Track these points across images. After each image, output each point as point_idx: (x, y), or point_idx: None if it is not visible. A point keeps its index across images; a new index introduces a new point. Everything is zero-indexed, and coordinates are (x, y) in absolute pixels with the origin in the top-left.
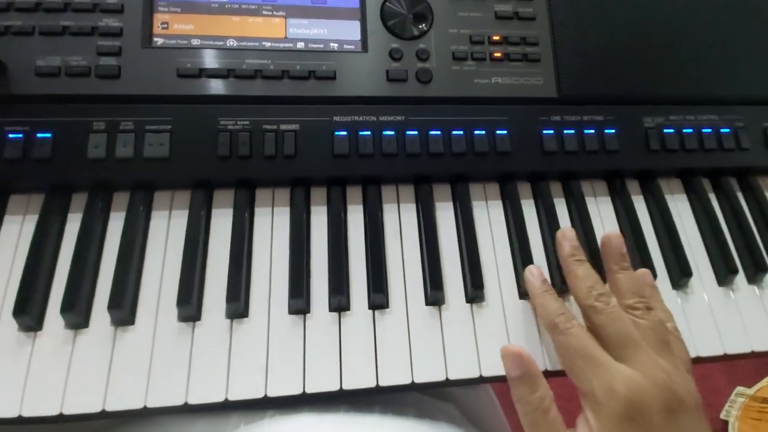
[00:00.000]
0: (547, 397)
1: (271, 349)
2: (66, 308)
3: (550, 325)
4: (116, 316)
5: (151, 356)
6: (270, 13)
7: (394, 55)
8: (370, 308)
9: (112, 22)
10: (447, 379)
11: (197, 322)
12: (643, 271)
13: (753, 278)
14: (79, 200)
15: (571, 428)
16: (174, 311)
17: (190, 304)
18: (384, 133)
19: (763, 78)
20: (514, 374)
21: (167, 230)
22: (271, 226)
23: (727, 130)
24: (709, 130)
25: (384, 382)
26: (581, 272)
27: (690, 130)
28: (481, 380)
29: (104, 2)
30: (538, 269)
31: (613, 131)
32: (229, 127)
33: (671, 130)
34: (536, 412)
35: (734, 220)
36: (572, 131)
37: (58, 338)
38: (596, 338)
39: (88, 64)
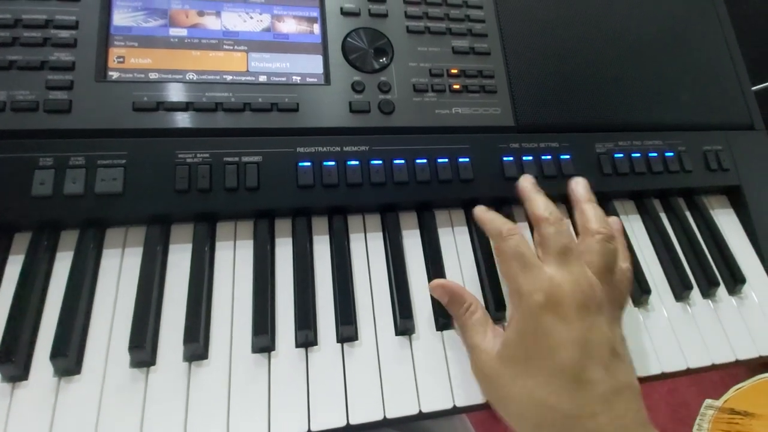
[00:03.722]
0: (471, 304)
1: (233, 392)
2: (2, 359)
3: (495, 232)
4: (60, 366)
5: (99, 408)
6: (231, 47)
7: (357, 88)
8: (338, 342)
9: (63, 56)
10: (420, 412)
11: (151, 368)
12: (615, 219)
13: (707, 293)
14: (22, 240)
15: (495, 326)
16: (126, 357)
17: (143, 349)
18: (348, 163)
19: (700, 105)
20: (444, 301)
21: (119, 269)
22: (233, 260)
23: (671, 153)
24: (655, 154)
25: (355, 419)
26: (541, 198)
27: (638, 155)
28: (455, 411)
29: (56, 37)
30: (483, 207)
31: (569, 157)
32: (188, 160)
33: (621, 155)
34: (464, 316)
35: (685, 237)
36: (530, 158)
37: None
38: (540, 249)
39: (36, 98)
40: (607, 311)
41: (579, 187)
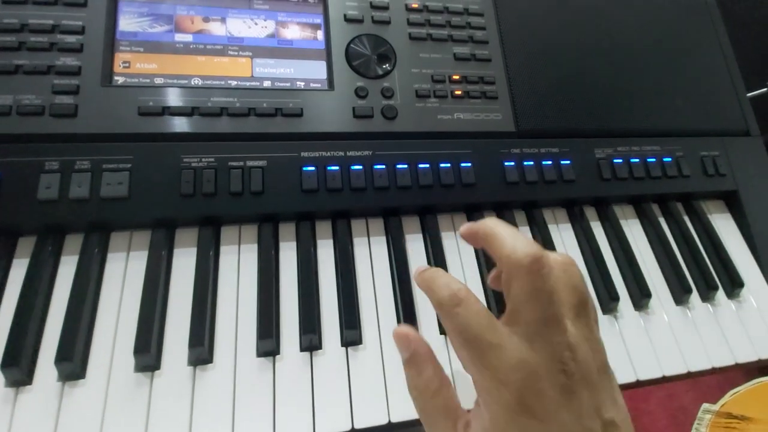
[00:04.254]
0: (435, 380)
1: (238, 396)
2: (6, 363)
3: (436, 303)
4: (65, 370)
5: (103, 412)
6: (236, 53)
7: (360, 93)
8: (342, 345)
9: (70, 60)
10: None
11: (156, 372)
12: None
13: (706, 296)
14: (27, 244)
15: (465, 414)
16: (130, 361)
17: (148, 353)
18: (352, 167)
19: (697, 112)
20: (403, 357)
21: (124, 273)
22: (238, 264)
23: (669, 159)
24: (653, 160)
25: (360, 424)
26: (503, 228)
27: (637, 160)
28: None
29: (62, 41)
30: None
31: (569, 162)
32: (193, 164)
33: (620, 160)
34: (423, 396)
35: (684, 242)
36: (531, 163)
37: None
38: (509, 303)
39: (42, 102)
40: (595, 371)
41: (464, 226)
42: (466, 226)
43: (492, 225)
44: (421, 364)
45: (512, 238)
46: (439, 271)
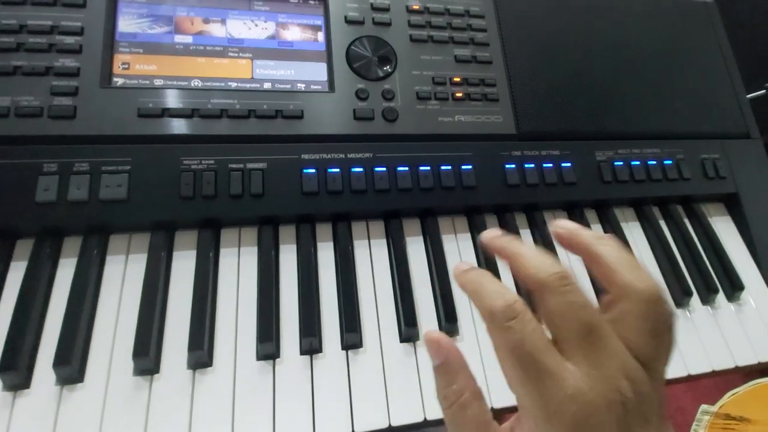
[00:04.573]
0: (466, 391)
1: (237, 400)
2: (4, 367)
3: (486, 311)
4: (63, 374)
5: (102, 417)
6: (236, 54)
7: (361, 95)
8: (343, 349)
9: (68, 62)
10: (425, 419)
11: (155, 375)
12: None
13: (706, 299)
14: (25, 246)
15: (498, 430)
16: (129, 365)
17: (147, 356)
18: (353, 170)
19: (697, 114)
20: (434, 364)
21: (123, 276)
22: (238, 266)
23: (670, 161)
24: (654, 162)
25: (360, 427)
26: (529, 251)
27: (637, 163)
28: None
29: (61, 43)
30: (465, 263)
31: (570, 165)
32: (193, 166)
33: (621, 163)
34: (453, 407)
35: (684, 244)
36: (532, 165)
37: None
38: (549, 331)
39: (41, 104)
40: (655, 411)
41: (569, 226)
42: (488, 237)
43: (515, 246)
44: (452, 374)
45: (536, 257)
46: (487, 274)
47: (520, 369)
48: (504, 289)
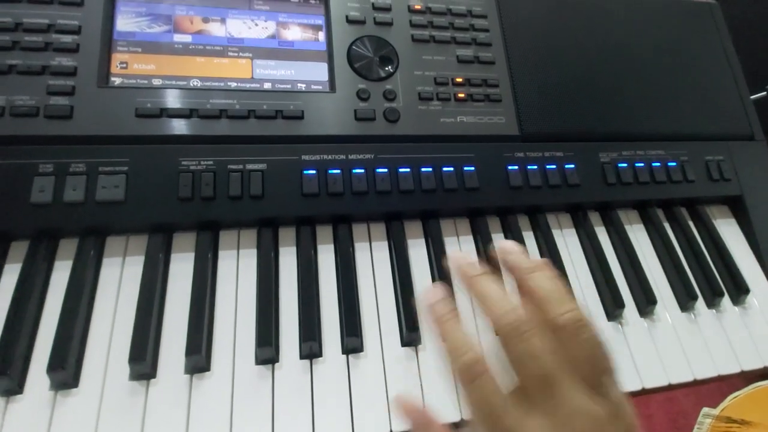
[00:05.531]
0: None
1: (235, 405)
2: None
3: (453, 368)
4: (57, 379)
5: (97, 423)
6: (236, 54)
7: (362, 95)
8: (343, 353)
9: (65, 60)
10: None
11: (152, 380)
12: (543, 263)
13: (711, 303)
14: (19, 248)
15: None
16: (125, 369)
17: (143, 361)
18: (354, 171)
19: (701, 116)
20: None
21: (120, 278)
22: (237, 269)
23: (674, 163)
24: (658, 164)
25: None
26: (492, 287)
27: (642, 164)
28: (462, 423)
29: (57, 41)
30: (438, 288)
31: (573, 166)
32: (192, 167)
33: (625, 165)
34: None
35: (689, 247)
36: (535, 167)
37: None
38: (514, 371)
39: (37, 103)
40: None
41: (514, 254)
42: (456, 265)
43: (480, 286)
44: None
45: (497, 302)
46: (455, 322)
47: (484, 423)
48: (469, 342)
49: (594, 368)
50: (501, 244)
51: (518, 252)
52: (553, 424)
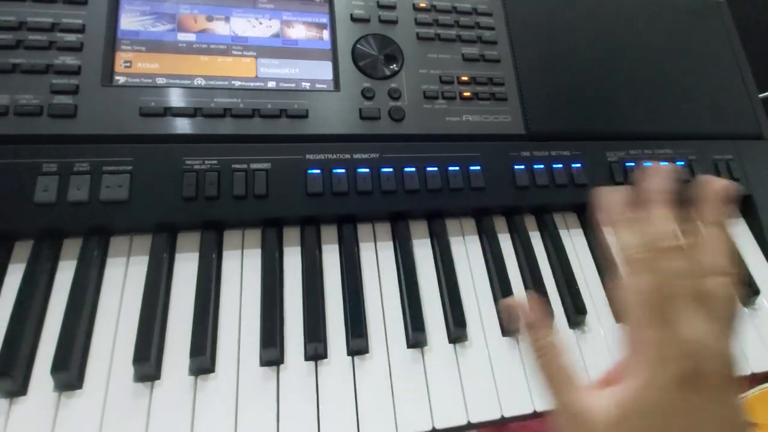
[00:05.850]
0: (555, 343)
1: (240, 407)
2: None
3: (627, 251)
4: (61, 380)
5: (101, 424)
6: (240, 53)
7: (367, 94)
8: (349, 355)
9: (69, 59)
10: (434, 428)
11: (156, 382)
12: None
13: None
14: (23, 249)
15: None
16: (129, 371)
17: (147, 362)
18: (358, 170)
19: (709, 114)
20: (516, 327)
21: (124, 278)
22: (241, 269)
23: (682, 162)
24: (666, 163)
25: None
26: (628, 226)
27: (649, 164)
28: (470, 426)
29: (61, 40)
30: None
31: (580, 165)
32: (196, 166)
33: (633, 164)
34: (542, 359)
35: None
36: (542, 166)
37: None
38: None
39: (41, 102)
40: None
41: (714, 190)
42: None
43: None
44: (537, 330)
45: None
46: (628, 221)
47: (648, 313)
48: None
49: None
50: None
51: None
52: (711, 329)
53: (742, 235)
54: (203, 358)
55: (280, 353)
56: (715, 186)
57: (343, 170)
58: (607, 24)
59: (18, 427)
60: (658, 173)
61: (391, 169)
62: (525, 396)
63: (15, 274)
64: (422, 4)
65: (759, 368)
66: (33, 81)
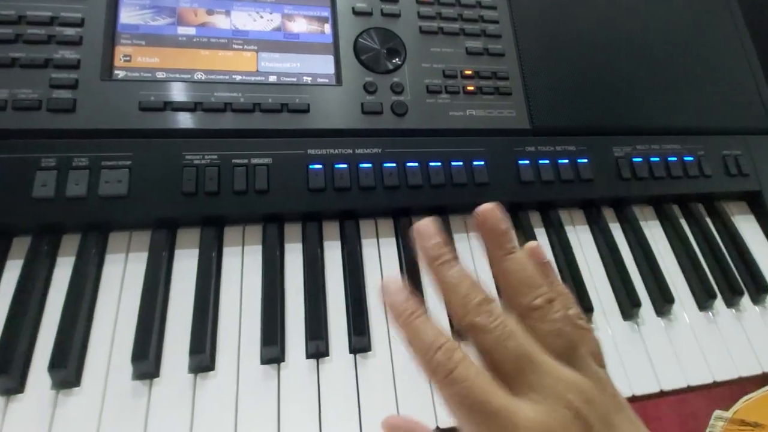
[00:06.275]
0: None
1: (240, 405)
2: None
3: (427, 367)
4: (58, 378)
5: (99, 422)
6: (241, 47)
7: (369, 89)
8: (351, 352)
9: (68, 53)
10: (437, 427)
11: (155, 380)
12: (532, 246)
13: (730, 302)
14: (21, 244)
15: None
16: (128, 368)
17: (146, 360)
18: (361, 165)
19: (717, 109)
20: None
21: (122, 275)
22: (241, 265)
23: (691, 158)
24: (674, 159)
25: None
26: (452, 275)
27: (657, 159)
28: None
29: (61, 34)
30: (398, 280)
31: (586, 161)
32: (196, 161)
33: (639, 159)
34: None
35: (706, 244)
36: (547, 161)
37: None
38: (488, 365)
39: (39, 97)
40: (612, 409)
41: (492, 226)
42: (424, 245)
43: (444, 274)
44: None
45: (461, 292)
46: (422, 320)
47: (472, 416)
48: (441, 335)
49: (569, 343)
50: (486, 214)
51: (504, 230)
52: (542, 397)
53: (751, 231)
54: (203, 355)
55: (281, 351)
56: (481, 216)
57: (345, 165)
58: (613, 17)
59: (15, 426)
60: (425, 234)
61: (393, 165)
62: None
63: (13, 270)
64: None
65: (749, 372)
66: (32, 75)
